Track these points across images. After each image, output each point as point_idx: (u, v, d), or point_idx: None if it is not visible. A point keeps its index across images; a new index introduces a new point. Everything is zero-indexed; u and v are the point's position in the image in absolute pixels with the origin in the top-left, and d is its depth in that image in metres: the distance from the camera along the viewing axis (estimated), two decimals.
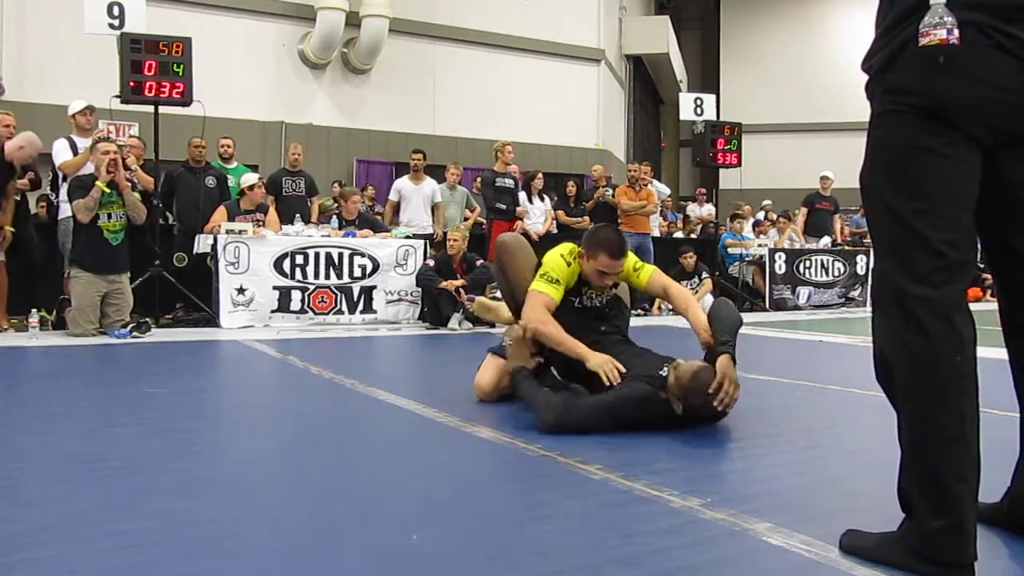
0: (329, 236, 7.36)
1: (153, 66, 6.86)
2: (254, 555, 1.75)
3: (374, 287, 7.41)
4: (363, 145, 13.12)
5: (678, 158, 23.11)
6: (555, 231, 9.10)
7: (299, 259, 7.11)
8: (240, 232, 6.88)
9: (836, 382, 4.26)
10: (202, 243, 7.03)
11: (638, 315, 8.28)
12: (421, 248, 7.62)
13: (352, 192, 8.39)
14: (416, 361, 5.72)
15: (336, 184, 10.69)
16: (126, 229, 6.24)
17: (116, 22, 7.18)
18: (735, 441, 2.86)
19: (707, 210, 12.64)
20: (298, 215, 7.60)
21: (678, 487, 2.23)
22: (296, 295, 7.09)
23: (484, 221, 9.05)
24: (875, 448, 2.71)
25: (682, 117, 11.40)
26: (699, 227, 12.27)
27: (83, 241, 6.10)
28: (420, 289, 7.40)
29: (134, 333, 6.00)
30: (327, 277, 7.22)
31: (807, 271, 10.25)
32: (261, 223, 7.18)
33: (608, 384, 3.02)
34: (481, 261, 7.33)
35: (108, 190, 6.06)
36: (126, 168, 6.37)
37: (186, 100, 6.99)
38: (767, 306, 9.87)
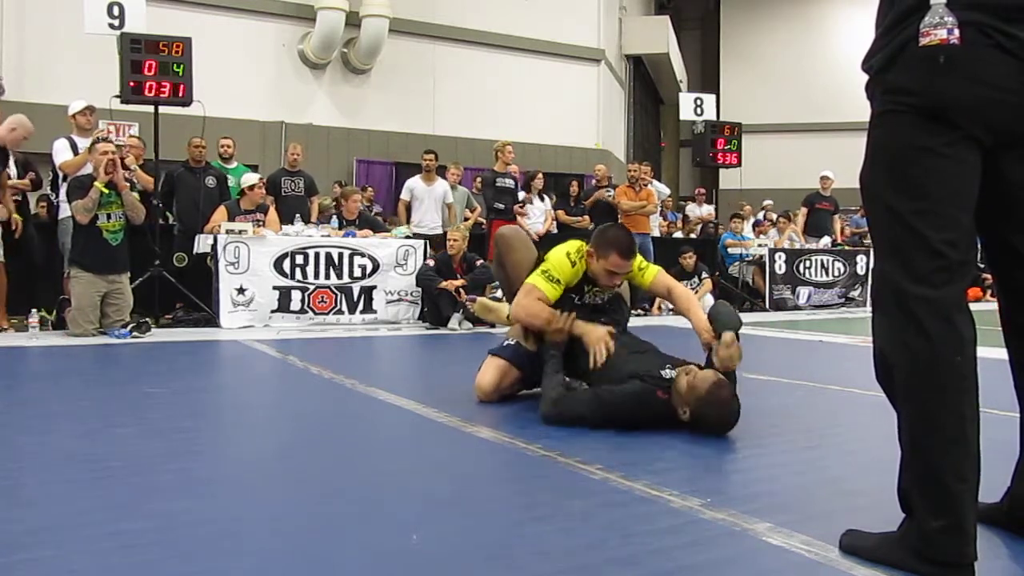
0: (329, 236, 7.36)
1: (153, 66, 6.86)
2: (254, 555, 1.75)
3: (374, 287, 7.41)
4: (363, 145, 13.12)
5: (678, 158, 23.11)
6: (555, 231, 9.11)
7: (299, 259, 7.11)
8: (240, 232, 6.88)
9: (836, 382, 4.26)
10: (202, 243, 7.03)
11: (638, 315, 8.28)
12: (421, 248, 7.62)
13: (352, 192, 8.40)
14: (416, 361, 5.72)
15: (336, 184, 10.68)
16: (125, 229, 6.24)
17: (116, 22, 7.18)
18: (735, 441, 2.85)
19: (706, 210, 12.64)
20: (298, 215, 7.60)
21: (678, 487, 2.23)
22: (296, 295, 7.09)
23: (484, 221, 9.06)
24: (875, 448, 2.71)
25: (682, 117, 11.39)
26: (699, 227, 12.28)
27: (83, 241, 6.10)
28: (420, 289, 7.40)
29: (134, 333, 5.99)
30: (327, 277, 7.22)
31: (807, 271, 10.25)
32: (261, 223, 7.18)
33: (593, 366, 3.06)
34: (481, 261, 7.33)
35: (106, 191, 6.06)
36: (125, 168, 6.37)
37: (186, 100, 6.99)
38: (767, 306, 9.87)
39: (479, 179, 9.82)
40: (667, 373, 2.98)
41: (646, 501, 2.14)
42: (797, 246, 10.53)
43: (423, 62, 13.77)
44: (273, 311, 6.98)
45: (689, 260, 9.29)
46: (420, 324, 7.38)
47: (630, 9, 18.92)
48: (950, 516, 1.57)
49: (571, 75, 15.36)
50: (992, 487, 1.79)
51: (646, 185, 9.50)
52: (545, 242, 7.40)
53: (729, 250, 10.36)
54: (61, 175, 6.72)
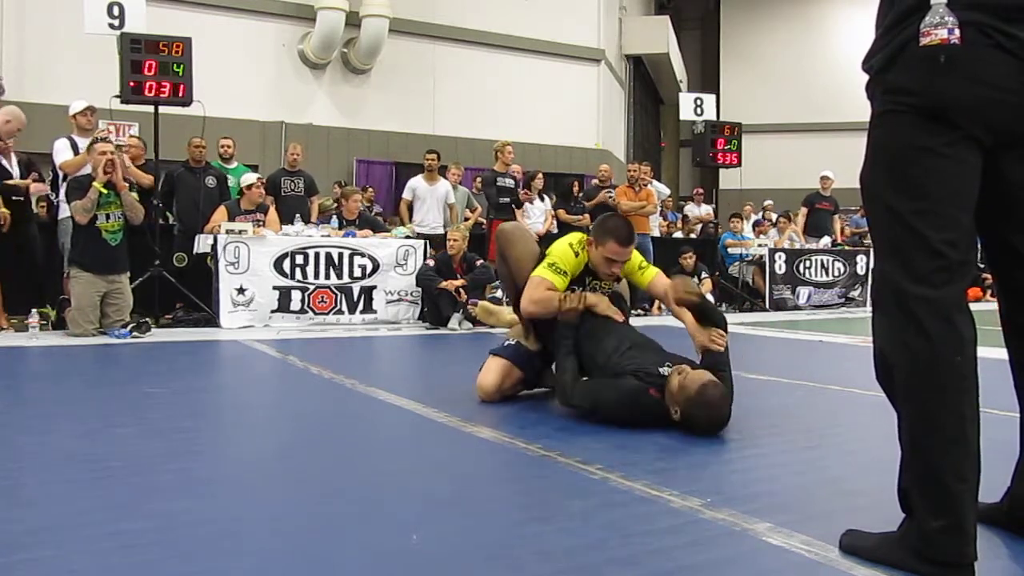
0: (329, 236, 7.36)
1: (153, 66, 6.86)
2: (254, 555, 1.75)
3: (374, 287, 7.41)
4: (363, 145, 13.12)
5: (678, 158, 23.10)
6: (555, 231, 9.10)
7: (299, 259, 7.11)
8: (240, 232, 6.88)
9: (836, 382, 4.26)
10: (202, 243, 7.03)
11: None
12: (421, 248, 7.62)
13: (352, 192, 8.40)
14: (416, 361, 5.72)
15: (336, 184, 10.69)
16: (124, 229, 6.24)
17: (116, 22, 7.17)
18: (735, 441, 2.85)
19: (705, 210, 12.64)
20: (298, 215, 7.60)
21: (678, 487, 2.23)
22: (296, 295, 7.09)
23: (484, 221, 9.06)
24: (875, 448, 2.71)
25: (682, 117, 11.39)
26: (699, 227, 12.28)
27: (82, 241, 6.10)
28: (420, 289, 7.40)
29: (134, 333, 5.99)
30: (327, 277, 7.22)
31: (807, 271, 10.25)
32: (261, 223, 7.18)
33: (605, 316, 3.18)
34: (481, 261, 7.33)
35: (105, 191, 6.06)
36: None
37: (186, 100, 6.99)
38: (767, 306, 9.86)
39: (479, 179, 9.82)
40: (664, 371, 2.98)
41: (646, 501, 2.14)
42: (797, 246, 10.53)
43: (423, 62, 13.77)
44: (273, 311, 6.98)
45: (689, 260, 9.29)
46: (420, 324, 7.38)
47: (630, 9, 18.92)
48: (950, 516, 1.56)
49: (571, 75, 15.37)
50: (992, 487, 1.79)
51: (646, 185, 9.49)
52: (545, 242, 7.40)
53: (729, 250, 10.36)
54: (61, 175, 6.72)
